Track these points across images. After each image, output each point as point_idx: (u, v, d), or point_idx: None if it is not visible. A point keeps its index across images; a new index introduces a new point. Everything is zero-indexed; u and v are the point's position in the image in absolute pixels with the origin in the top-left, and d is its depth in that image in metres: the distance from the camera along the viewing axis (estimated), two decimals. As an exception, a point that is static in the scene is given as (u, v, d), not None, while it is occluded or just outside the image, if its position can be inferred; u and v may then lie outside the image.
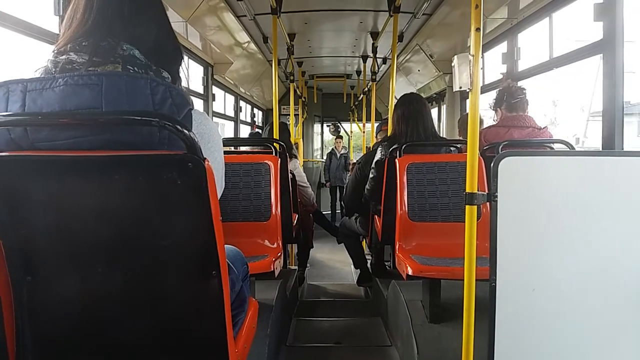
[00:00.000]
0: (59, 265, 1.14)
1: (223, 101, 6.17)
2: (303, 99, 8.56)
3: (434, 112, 6.14)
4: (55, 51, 1.13)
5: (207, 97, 5.17)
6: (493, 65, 4.31)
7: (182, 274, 1.15)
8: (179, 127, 1.00)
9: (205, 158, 1.04)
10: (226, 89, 6.13)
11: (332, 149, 9.27)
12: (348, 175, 8.53)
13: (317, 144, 11.18)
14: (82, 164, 1.05)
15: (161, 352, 1.22)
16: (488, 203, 1.53)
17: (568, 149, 2.81)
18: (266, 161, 2.87)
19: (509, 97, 3.10)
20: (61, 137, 1.06)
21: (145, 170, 1.06)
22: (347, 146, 10.10)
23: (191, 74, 4.74)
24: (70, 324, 1.19)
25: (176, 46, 1.28)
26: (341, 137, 9.43)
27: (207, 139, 1.15)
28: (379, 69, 6.34)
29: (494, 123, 3.24)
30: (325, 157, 9.69)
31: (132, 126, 1.05)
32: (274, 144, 3.10)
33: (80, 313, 1.17)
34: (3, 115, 1.03)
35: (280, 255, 2.62)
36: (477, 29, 1.64)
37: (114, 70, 1.11)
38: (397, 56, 4.71)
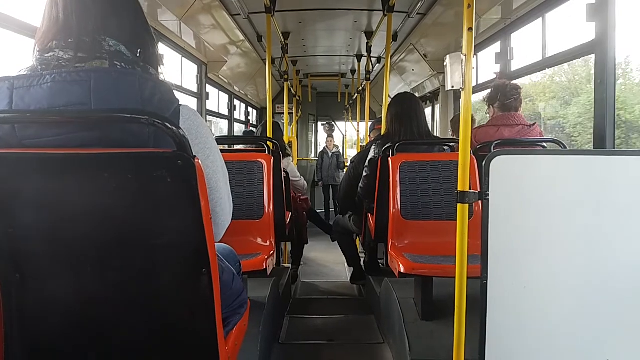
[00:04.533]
0: (48, 263, 1.14)
1: (217, 100, 6.15)
2: (297, 98, 8.55)
3: (427, 111, 6.15)
4: (40, 49, 1.12)
5: (201, 96, 5.15)
6: (487, 65, 4.33)
7: (172, 272, 1.15)
8: (168, 124, 1.00)
9: (195, 156, 1.03)
10: (220, 87, 6.11)
11: (324, 147, 9.12)
12: (341, 173, 8.52)
13: (312, 142, 11.15)
14: (71, 161, 1.04)
15: (152, 350, 1.21)
16: (480, 201, 1.54)
17: (560, 148, 2.83)
18: (259, 159, 2.87)
19: (503, 96, 3.10)
20: (49, 134, 1.05)
21: (135, 168, 1.05)
22: (338, 145, 10.02)
23: (185, 72, 4.72)
24: (60, 322, 1.18)
25: (151, 34, 1.25)
26: (332, 136, 9.35)
27: (194, 134, 1.14)
28: (373, 68, 6.34)
29: (484, 123, 3.25)
30: (318, 156, 9.61)
31: (121, 124, 1.05)
32: (267, 142, 3.09)
33: (70, 311, 1.16)
34: None
35: (273, 253, 2.62)
36: (469, 29, 1.64)
37: (101, 66, 1.10)
38: (392, 56, 4.72)
